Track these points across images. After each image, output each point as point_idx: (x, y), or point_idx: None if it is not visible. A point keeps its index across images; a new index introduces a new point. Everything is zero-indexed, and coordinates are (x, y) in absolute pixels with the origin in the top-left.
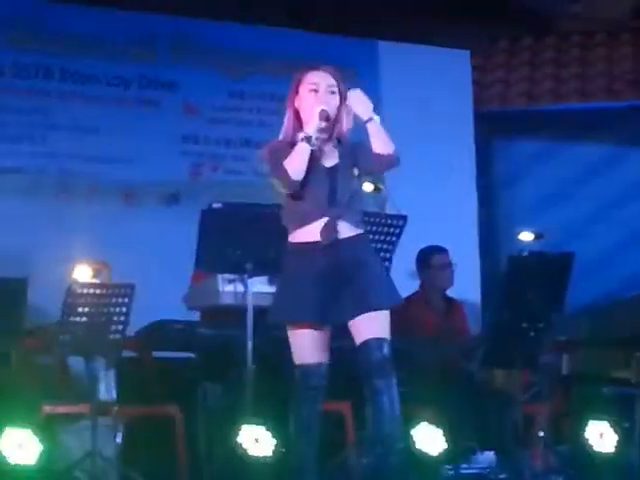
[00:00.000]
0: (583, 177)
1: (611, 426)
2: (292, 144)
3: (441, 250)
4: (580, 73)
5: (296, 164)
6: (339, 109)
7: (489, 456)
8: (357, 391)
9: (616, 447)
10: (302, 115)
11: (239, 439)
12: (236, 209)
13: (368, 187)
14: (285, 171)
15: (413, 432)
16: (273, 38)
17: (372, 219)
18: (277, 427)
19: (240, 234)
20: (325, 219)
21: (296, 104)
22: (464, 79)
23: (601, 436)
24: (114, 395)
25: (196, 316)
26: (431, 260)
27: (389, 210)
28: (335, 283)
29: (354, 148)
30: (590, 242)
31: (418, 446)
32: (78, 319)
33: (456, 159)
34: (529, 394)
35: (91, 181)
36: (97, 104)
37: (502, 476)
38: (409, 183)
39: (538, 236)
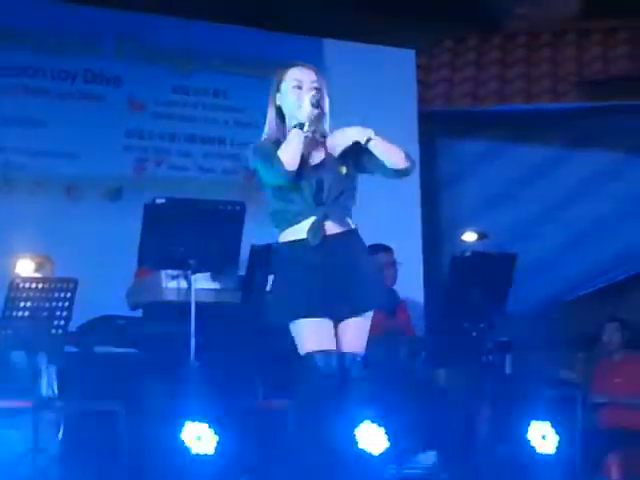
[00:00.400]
0: (527, 178)
1: (552, 427)
2: (277, 142)
3: (386, 248)
4: (525, 74)
5: (290, 152)
6: (322, 106)
7: (431, 456)
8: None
9: (557, 448)
10: (286, 112)
11: (182, 436)
12: (180, 204)
13: None
14: (279, 161)
15: (356, 431)
16: (218, 35)
17: None
18: (220, 424)
19: (184, 230)
20: (312, 219)
21: (278, 102)
22: (409, 78)
23: (543, 437)
24: (56, 390)
25: (139, 312)
26: (375, 258)
27: None
28: (327, 281)
29: (357, 149)
30: (534, 243)
31: (361, 445)
32: (20, 314)
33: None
34: (471, 394)
35: (35, 175)
36: (42, 98)
37: (444, 476)
38: None
39: (482, 236)
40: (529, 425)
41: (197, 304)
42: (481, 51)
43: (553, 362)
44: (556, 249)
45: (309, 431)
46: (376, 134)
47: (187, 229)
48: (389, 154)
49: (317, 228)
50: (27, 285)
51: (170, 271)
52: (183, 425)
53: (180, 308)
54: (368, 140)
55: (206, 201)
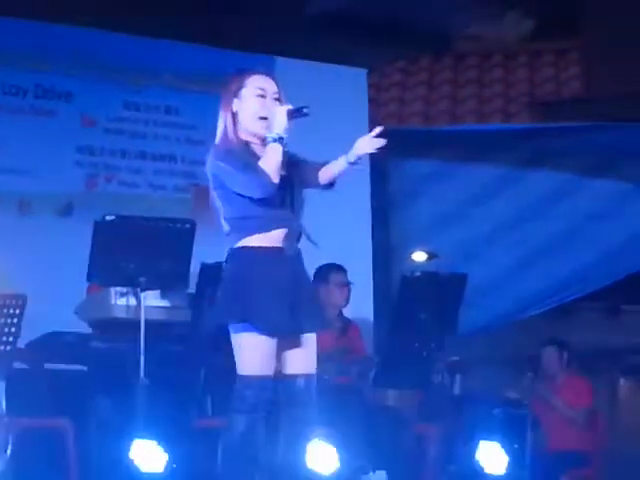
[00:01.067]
0: (479, 198)
1: (502, 447)
2: (237, 146)
3: (339, 268)
4: (477, 94)
5: (274, 165)
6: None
7: (381, 476)
8: None
9: (506, 468)
10: (242, 119)
11: (131, 454)
12: (130, 222)
13: None
14: (264, 174)
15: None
16: (169, 51)
17: None
18: (169, 442)
19: (134, 247)
20: (285, 230)
21: (234, 108)
22: (360, 97)
23: (492, 457)
24: (3, 407)
25: (89, 328)
26: (329, 277)
27: None
28: (290, 294)
29: (294, 162)
30: (485, 263)
31: (310, 465)
32: None
33: (350, 177)
34: (421, 414)
35: None
36: None
37: None
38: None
39: (432, 256)
40: (478, 445)
41: (147, 321)
42: (433, 71)
43: (502, 382)
44: (506, 269)
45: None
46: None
47: (137, 246)
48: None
49: (293, 238)
50: None
51: (120, 288)
52: (132, 442)
53: (130, 325)
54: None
55: (156, 218)
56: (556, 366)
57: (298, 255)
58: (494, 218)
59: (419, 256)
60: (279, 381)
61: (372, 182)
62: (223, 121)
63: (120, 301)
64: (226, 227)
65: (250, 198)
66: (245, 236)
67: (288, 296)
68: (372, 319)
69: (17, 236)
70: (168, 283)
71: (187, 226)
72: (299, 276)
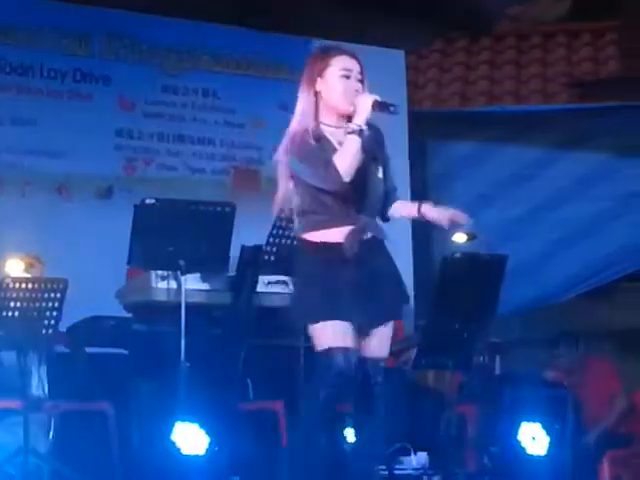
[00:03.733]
0: (517, 179)
1: (543, 428)
2: (314, 133)
3: None
4: (515, 75)
5: (349, 161)
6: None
7: (422, 457)
8: (290, 390)
9: (548, 449)
10: (325, 99)
11: (172, 436)
12: (169, 205)
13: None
14: (335, 170)
15: (345, 432)
16: (208, 34)
17: None
18: (210, 425)
19: (173, 230)
20: (350, 227)
21: (318, 87)
22: (398, 79)
23: (533, 438)
24: (46, 390)
25: (130, 312)
26: None
27: None
28: (354, 289)
29: (370, 139)
30: (524, 244)
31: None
32: (10, 314)
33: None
34: (461, 395)
35: (25, 174)
36: (32, 96)
37: (435, 477)
38: None
39: (471, 237)
40: (519, 426)
41: (187, 304)
42: (471, 52)
43: (541, 363)
44: (545, 250)
45: (317, 431)
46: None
47: (177, 229)
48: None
49: (355, 238)
50: (17, 285)
51: (160, 271)
52: (174, 426)
53: (170, 308)
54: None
55: (196, 202)
56: (571, 356)
57: (365, 243)
58: (533, 199)
59: (459, 237)
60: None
61: (411, 164)
62: (303, 102)
63: (161, 284)
64: (295, 217)
65: (321, 191)
66: (311, 229)
67: (354, 291)
68: (413, 300)
69: (57, 220)
70: (208, 266)
71: (227, 209)
72: (367, 267)
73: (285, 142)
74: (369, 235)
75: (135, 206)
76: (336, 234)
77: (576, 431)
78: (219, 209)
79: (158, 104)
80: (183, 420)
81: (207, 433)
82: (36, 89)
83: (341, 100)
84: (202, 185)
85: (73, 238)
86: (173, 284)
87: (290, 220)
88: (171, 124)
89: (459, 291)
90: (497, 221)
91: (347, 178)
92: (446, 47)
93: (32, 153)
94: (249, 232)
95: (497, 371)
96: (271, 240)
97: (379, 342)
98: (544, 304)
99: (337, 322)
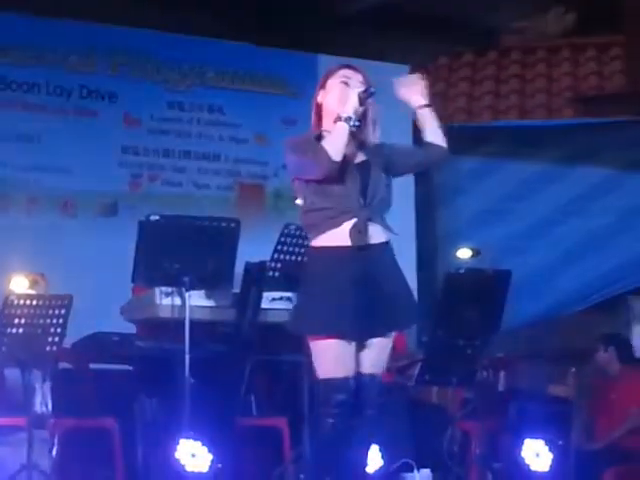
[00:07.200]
0: (522, 193)
1: (546, 444)
2: (317, 138)
3: None
4: (520, 89)
5: (336, 143)
6: (366, 112)
7: (425, 474)
8: (294, 407)
9: (551, 465)
10: (325, 106)
11: (176, 454)
12: (174, 221)
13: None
14: (323, 152)
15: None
16: (212, 50)
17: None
18: (214, 442)
19: (179, 246)
20: (353, 220)
21: (319, 99)
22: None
23: (537, 454)
24: (50, 407)
25: (134, 328)
26: None
27: None
28: (366, 294)
29: (382, 149)
30: (529, 258)
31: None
32: (14, 330)
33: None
34: (465, 411)
35: (30, 191)
36: (37, 113)
37: None
38: None
39: (476, 253)
40: (523, 442)
41: (191, 321)
42: (476, 67)
43: (546, 378)
44: (549, 265)
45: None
46: None
47: (182, 246)
48: (435, 127)
49: (362, 229)
50: (21, 302)
51: (164, 288)
52: (177, 443)
53: (175, 325)
54: (424, 105)
55: (201, 218)
56: (612, 360)
57: (374, 248)
58: (538, 213)
59: (463, 253)
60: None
61: (415, 178)
62: (313, 114)
63: (165, 301)
64: (303, 222)
65: (318, 188)
66: (318, 234)
67: (360, 299)
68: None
69: (62, 236)
70: (213, 283)
71: (232, 225)
72: (375, 273)
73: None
74: (378, 240)
75: (140, 222)
76: (342, 235)
77: (579, 447)
78: (224, 225)
79: (163, 120)
80: (187, 437)
81: (210, 450)
82: (41, 106)
83: (337, 103)
84: (207, 201)
85: (78, 254)
86: (177, 301)
87: (295, 236)
88: (176, 140)
89: (463, 307)
90: (502, 235)
91: (336, 157)
92: (452, 62)
93: (37, 170)
94: (253, 248)
95: (501, 386)
96: (275, 256)
97: (378, 356)
98: (549, 318)
99: (339, 344)
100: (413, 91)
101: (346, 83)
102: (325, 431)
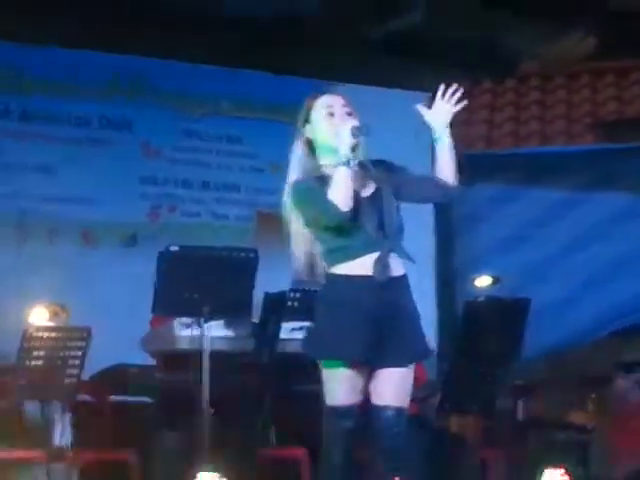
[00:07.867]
0: (543, 220)
1: (566, 472)
2: (320, 179)
3: None
4: (540, 116)
5: (342, 192)
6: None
7: None
8: (313, 437)
9: None
10: (318, 142)
11: None
12: (193, 252)
13: None
14: (331, 204)
15: None
16: (231, 79)
17: None
18: (233, 474)
19: (198, 277)
20: (376, 254)
21: (308, 135)
22: (423, 121)
23: None
24: (69, 440)
25: (154, 360)
26: None
27: None
28: (382, 324)
29: (391, 172)
30: (549, 286)
31: None
32: (34, 363)
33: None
34: (485, 439)
35: (50, 221)
36: (56, 144)
37: None
38: None
39: (495, 280)
40: (542, 471)
41: (211, 352)
42: (495, 93)
43: (567, 404)
44: (572, 291)
45: None
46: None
47: (201, 276)
48: (451, 162)
49: (384, 263)
50: (41, 334)
51: (184, 319)
52: (197, 475)
53: (194, 356)
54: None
55: (219, 248)
56: (631, 390)
57: (394, 281)
58: (558, 240)
59: (482, 281)
60: (371, 411)
61: (436, 207)
62: (296, 152)
63: (184, 332)
64: (323, 258)
65: (333, 231)
66: (335, 264)
67: (377, 328)
68: (436, 345)
69: (81, 267)
70: (232, 313)
71: (251, 255)
72: (393, 304)
73: (287, 193)
74: (397, 273)
75: (159, 253)
76: (363, 265)
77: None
78: (243, 255)
79: (182, 150)
80: (206, 470)
81: None
82: (61, 136)
83: (329, 138)
84: (226, 231)
85: (97, 285)
86: (196, 332)
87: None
88: (195, 170)
89: (483, 335)
90: (522, 263)
91: (345, 208)
92: (471, 89)
93: (56, 200)
94: (272, 277)
95: (520, 415)
96: (295, 286)
97: (397, 389)
98: (571, 346)
99: (351, 375)
100: (443, 112)
101: (331, 114)
102: (332, 460)
